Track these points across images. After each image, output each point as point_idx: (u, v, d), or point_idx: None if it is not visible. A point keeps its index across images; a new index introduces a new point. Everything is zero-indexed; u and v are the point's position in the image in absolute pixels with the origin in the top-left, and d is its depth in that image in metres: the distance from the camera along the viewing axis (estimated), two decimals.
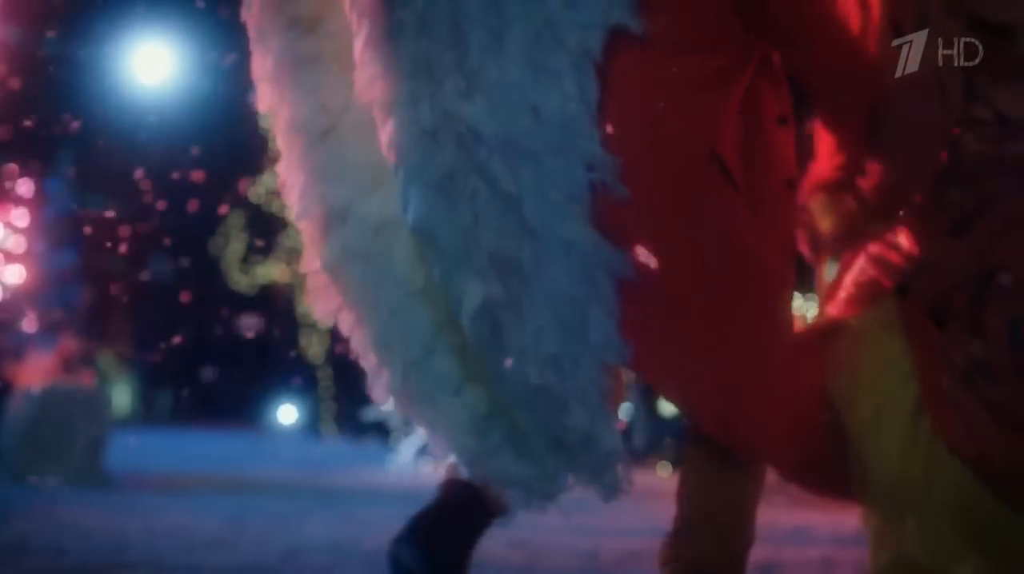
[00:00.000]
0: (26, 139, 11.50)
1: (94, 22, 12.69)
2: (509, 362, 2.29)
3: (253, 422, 19.83)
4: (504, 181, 2.30)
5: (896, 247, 2.57)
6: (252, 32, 2.61)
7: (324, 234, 2.52)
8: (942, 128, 2.51)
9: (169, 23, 12.58)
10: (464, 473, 2.47)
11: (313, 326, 14.30)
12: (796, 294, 2.69)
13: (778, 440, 2.48)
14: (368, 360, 2.53)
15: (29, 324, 11.44)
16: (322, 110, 2.54)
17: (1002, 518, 2.48)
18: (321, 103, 2.54)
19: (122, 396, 20.09)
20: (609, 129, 2.33)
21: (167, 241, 14.08)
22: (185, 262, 15.23)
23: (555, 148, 2.31)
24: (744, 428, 2.45)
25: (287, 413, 20.66)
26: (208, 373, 19.22)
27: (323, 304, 2.57)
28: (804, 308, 6.00)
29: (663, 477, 11.71)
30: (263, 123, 8.59)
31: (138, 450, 11.23)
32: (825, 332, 2.62)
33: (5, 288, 11.88)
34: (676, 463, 11.78)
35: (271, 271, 16.70)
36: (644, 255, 2.35)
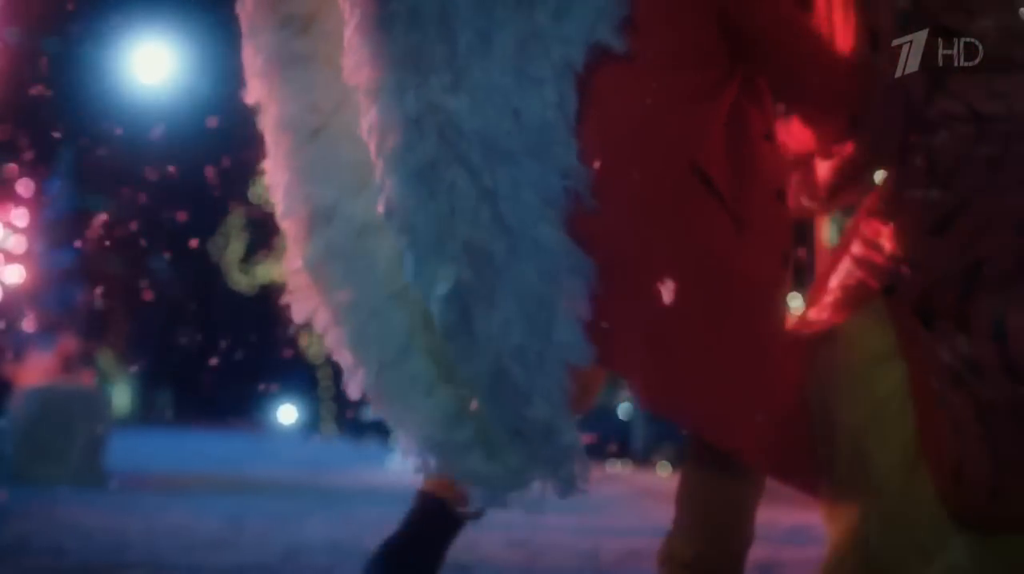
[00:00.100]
0: (26, 139, 11.51)
1: (94, 22, 12.69)
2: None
3: (253, 422, 19.83)
4: (483, 175, 2.34)
5: (880, 248, 2.59)
6: (244, 26, 2.62)
7: (308, 233, 2.54)
8: (903, 116, 2.55)
9: (169, 23, 12.59)
10: (433, 470, 2.50)
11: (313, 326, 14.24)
12: (796, 294, 2.72)
13: (762, 444, 2.49)
14: (343, 358, 2.56)
15: (29, 324, 11.44)
16: (312, 110, 2.55)
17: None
18: (312, 103, 2.55)
19: (122, 396, 20.09)
20: (589, 140, 2.39)
21: (167, 241, 14.10)
22: (185, 262, 15.24)
23: (532, 152, 2.36)
24: (726, 431, 2.46)
25: (287, 413, 20.66)
26: (208, 373, 19.23)
27: (302, 304, 2.59)
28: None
29: (663, 477, 11.72)
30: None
31: (138, 450, 11.24)
32: (814, 337, 2.63)
33: (5, 288, 11.88)
34: (676, 463, 11.79)
35: (271, 271, 16.72)
36: (627, 266, 2.40)
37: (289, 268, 2.61)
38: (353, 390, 2.56)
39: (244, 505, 7.65)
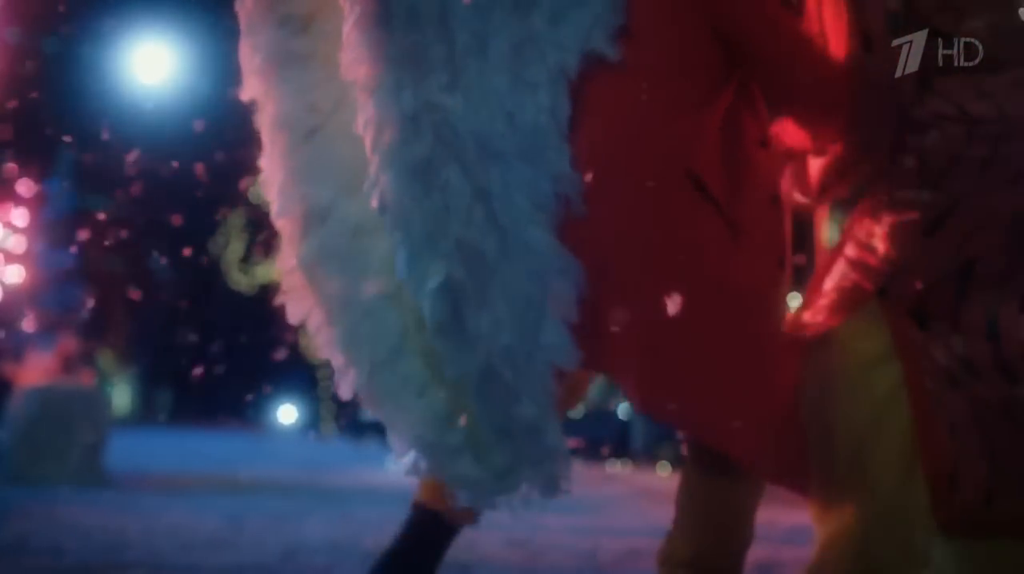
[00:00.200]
0: (26, 139, 11.51)
1: (94, 22, 12.69)
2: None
3: (253, 422, 19.86)
4: (477, 175, 2.36)
5: (874, 250, 2.60)
6: (243, 24, 2.62)
7: (302, 233, 2.55)
8: (893, 112, 2.56)
9: (169, 23, 12.59)
10: (424, 471, 2.52)
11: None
12: (797, 295, 2.73)
13: (758, 446, 2.50)
14: (335, 358, 2.57)
15: (29, 324, 11.44)
16: (310, 109, 2.56)
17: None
18: (309, 103, 2.56)
19: (122, 396, 20.11)
20: (582, 148, 2.41)
21: (167, 241, 14.09)
22: (185, 262, 15.25)
23: (524, 155, 2.38)
24: (722, 434, 2.47)
25: (287, 413, 20.70)
26: (208, 373, 19.25)
27: (296, 305, 2.60)
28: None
29: (663, 477, 11.73)
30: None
31: (138, 450, 11.25)
32: (811, 340, 2.64)
33: (5, 288, 11.88)
34: (676, 463, 11.79)
35: (271, 271, 16.75)
36: (622, 271, 2.41)
37: (283, 267, 2.61)
38: (344, 390, 2.57)
39: (243, 505, 7.66)
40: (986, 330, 2.50)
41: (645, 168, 2.40)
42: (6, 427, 9.19)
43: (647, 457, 13.54)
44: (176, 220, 12.61)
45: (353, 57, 2.41)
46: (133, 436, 12.55)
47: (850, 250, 2.65)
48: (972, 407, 2.50)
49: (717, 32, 2.45)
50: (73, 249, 12.11)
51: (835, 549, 2.58)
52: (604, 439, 14.28)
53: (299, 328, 2.64)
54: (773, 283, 2.53)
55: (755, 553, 2.73)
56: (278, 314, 2.65)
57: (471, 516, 2.65)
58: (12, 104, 10.49)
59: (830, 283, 2.67)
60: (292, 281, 2.61)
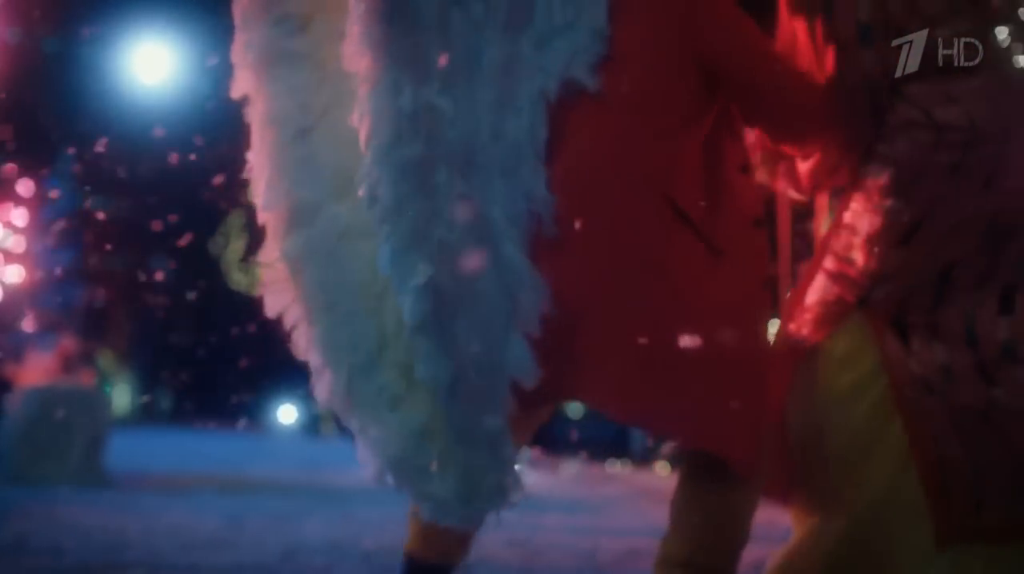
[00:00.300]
0: (26, 139, 11.50)
1: (94, 22, 12.69)
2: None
3: (253, 422, 19.85)
4: (462, 183, 2.40)
5: (852, 261, 2.63)
6: (237, 19, 2.63)
7: (287, 229, 2.57)
8: (868, 120, 2.61)
9: (169, 23, 12.59)
10: (389, 483, 2.54)
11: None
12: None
13: (755, 454, 2.53)
14: (312, 358, 2.58)
15: (29, 324, 11.44)
16: (302, 110, 2.57)
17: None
18: (302, 102, 2.57)
19: (122, 396, 20.10)
20: (559, 172, 2.45)
21: (167, 241, 14.07)
22: (185, 262, 15.24)
23: (503, 171, 2.42)
24: (720, 442, 2.50)
25: (287, 413, 20.70)
26: (208, 373, 19.23)
27: (275, 298, 2.61)
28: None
29: (662, 477, 11.73)
30: None
31: (138, 450, 11.24)
32: (797, 356, 2.67)
33: (5, 288, 11.88)
34: (675, 463, 11.79)
35: None
36: (600, 295, 2.45)
37: (266, 260, 2.63)
38: (320, 392, 2.58)
39: (243, 505, 7.66)
40: (964, 335, 2.52)
41: (621, 193, 2.45)
42: (6, 427, 9.19)
43: (646, 457, 13.53)
44: (176, 220, 12.61)
45: (356, 49, 2.43)
46: (133, 436, 12.55)
47: (829, 262, 2.69)
48: (953, 414, 2.52)
49: (700, 61, 2.50)
50: (73, 249, 12.11)
51: (804, 554, 2.61)
52: (604, 439, 14.28)
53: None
54: (756, 302, 2.57)
55: (754, 553, 2.74)
56: (278, 314, 2.65)
57: (460, 556, 2.67)
58: (12, 104, 10.49)
59: (812, 297, 2.69)
60: (273, 274, 2.62)
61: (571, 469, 11.89)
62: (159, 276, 15.91)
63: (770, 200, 2.86)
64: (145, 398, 21.93)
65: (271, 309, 2.62)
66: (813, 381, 2.64)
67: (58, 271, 12.29)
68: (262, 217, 2.62)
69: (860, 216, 2.62)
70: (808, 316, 2.69)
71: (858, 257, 2.62)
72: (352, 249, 2.52)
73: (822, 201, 2.84)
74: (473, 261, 2.40)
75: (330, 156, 2.54)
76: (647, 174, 2.46)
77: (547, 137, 2.44)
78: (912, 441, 2.54)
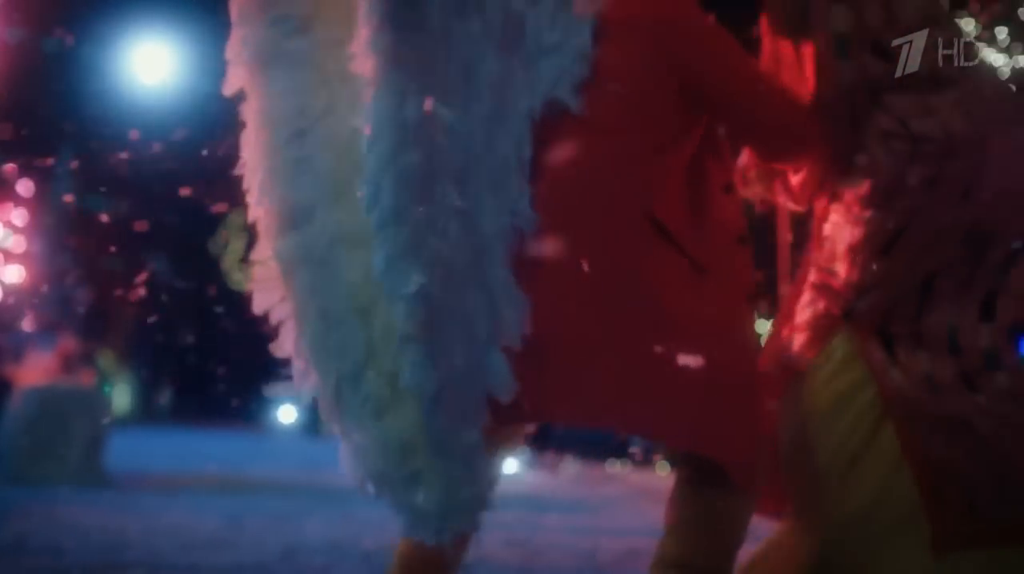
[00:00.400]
0: (26, 139, 11.50)
1: (94, 22, 12.69)
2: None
3: (253, 422, 19.84)
4: (457, 194, 2.42)
5: (835, 274, 2.65)
6: (234, 14, 2.62)
7: (280, 230, 2.57)
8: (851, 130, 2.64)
9: (169, 23, 12.59)
10: (370, 491, 2.54)
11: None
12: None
13: (751, 461, 2.56)
14: (298, 360, 2.57)
15: (29, 324, 11.44)
16: (299, 112, 2.57)
17: None
18: (299, 105, 2.57)
19: (122, 396, 20.10)
20: (542, 190, 2.49)
21: (167, 241, 14.08)
22: (185, 262, 15.24)
23: (490, 186, 2.46)
24: (716, 448, 2.53)
25: (287, 413, 20.67)
26: (208, 373, 19.23)
27: (265, 295, 2.61)
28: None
29: (662, 477, 11.73)
30: None
31: (137, 450, 11.24)
32: (789, 374, 2.69)
33: (5, 288, 11.88)
34: (675, 463, 11.78)
35: None
36: (583, 305, 2.48)
37: (258, 257, 2.63)
38: (304, 390, 2.59)
39: (243, 505, 7.67)
40: (948, 343, 2.55)
41: (602, 211, 2.50)
42: (6, 427, 9.19)
43: (646, 457, 13.53)
44: (176, 220, 12.61)
45: (364, 52, 2.42)
46: (133, 436, 12.54)
47: (813, 276, 2.71)
48: (939, 421, 2.54)
49: (683, 83, 2.53)
50: (73, 249, 12.12)
51: (779, 559, 2.64)
52: (603, 439, 14.29)
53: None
54: (742, 315, 2.61)
55: (750, 552, 2.74)
56: None
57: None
58: (12, 104, 10.49)
59: (801, 315, 2.72)
60: (265, 272, 2.62)
61: (571, 469, 11.88)
62: (159, 276, 15.91)
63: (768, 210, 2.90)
64: (146, 399, 21.93)
65: (259, 306, 2.62)
66: (803, 397, 2.66)
67: (58, 271, 12.29)
68: (254, 213, 2.62)
69: (840, 228, 2.66)
70: (798, 335, 2.72)
71: (840, 269, 2.65)
72: (344, 256, 2.52)
73: (783, 214, 2.88)
74: (463, 273, 2.42)
75: (326, 160, 2.54)
76: (628, 193, 2.51)
77: (532, 155, 2.49)
78: (904, 446, 2.55)
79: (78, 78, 12.88)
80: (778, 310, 2.84)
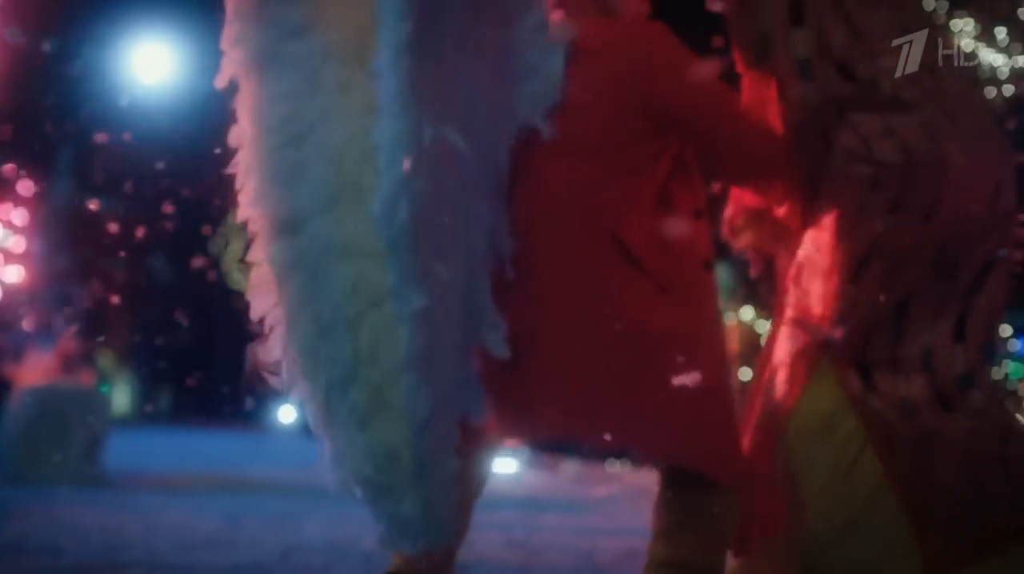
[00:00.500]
0: (26, 139, 11.51)
1: (94, 22, 12.70)
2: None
3: (254, 422, 19.85)
4: (461, 222, 2.48)
5: (809, 306, 2.66)
6: (229, 9, 2.59)
7: (274, 235, 2.57)
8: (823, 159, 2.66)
9: (169, 23, 12.59)
10: (357, 497, 2.56)
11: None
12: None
13: (732, 464, 2.63)
14: (289, 365, 2.58)
15: (29, 324, 11.45)
16: (293, 119, 2.55)
17: None
18: (294, 111, 2.55)
19: (122, 396, 20.10)
20: (517, 212, 2.55)
21: (166, 241, 14.07)
22: (185, 262, 15.25)
23: (479, 210, 2.52)
24: (694, 455, 2.59)
25: (287, 413, 20.67)
26: (207, 373, 19.24)
27: (262, 299, 2.61)
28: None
29: None
30: None
31: (137, 450, 11.24)
32: (778, 412, 2.70)
33: (5, 288, 11.88)
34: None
35: None
36: (558, 332, 2.56)
37: (253, 260, 2.63)
38: (291, 391, 2.59)
39: (242, 505, 7.67)
40: (923, 366, 2.57)
41: (569, 233, 2.56)
42: (5, 427, 9.19)
43: None
44: (175, 220, 12.61)
45: (381, 74, 2.41)
46: (132, 436, 12.54)
47: (790, 310, 2.72)
48: (918, 444, 2.56)
49: (656, 110, 2.58)
50: (73, 249, 12.12)
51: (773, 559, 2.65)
52: None
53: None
54: (709, 333, 2.65)
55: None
56: None
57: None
58: (12, 104, 10.49)
59: (781, 351, 2.73)
60: (260, 275, 2.62)
61: (571, 469, 11.89)
62: (159, 276, 15.92)
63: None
64: (145, 399, 21.94)
65: (256, 311, 2.62)
66: (788, 430, 2.68)
67: (58, 271, 12.29)
68: (245, 213, 2.61)
69: (812, 258, 2.67)
70: (780, 370, 2.73)
71: (813, 301, 2.66)
72: (332, 265, 2.52)
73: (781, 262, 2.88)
74: (457, 298, 2.47)
75: (319, 168, 2.53)
76: (593, 214, 2.56)
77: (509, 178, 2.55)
78: (886, 471, 2.58)
79: (78, 78, 12.88)
80: (759, 359, 2.87)
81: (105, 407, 9.92)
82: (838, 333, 2.63)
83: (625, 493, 9.87)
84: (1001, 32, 9.86)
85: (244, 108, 2.60)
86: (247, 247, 2.67)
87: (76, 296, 12.78)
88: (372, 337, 2.46)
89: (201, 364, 19.28)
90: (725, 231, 2.85)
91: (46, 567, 4.87)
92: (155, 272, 17.33)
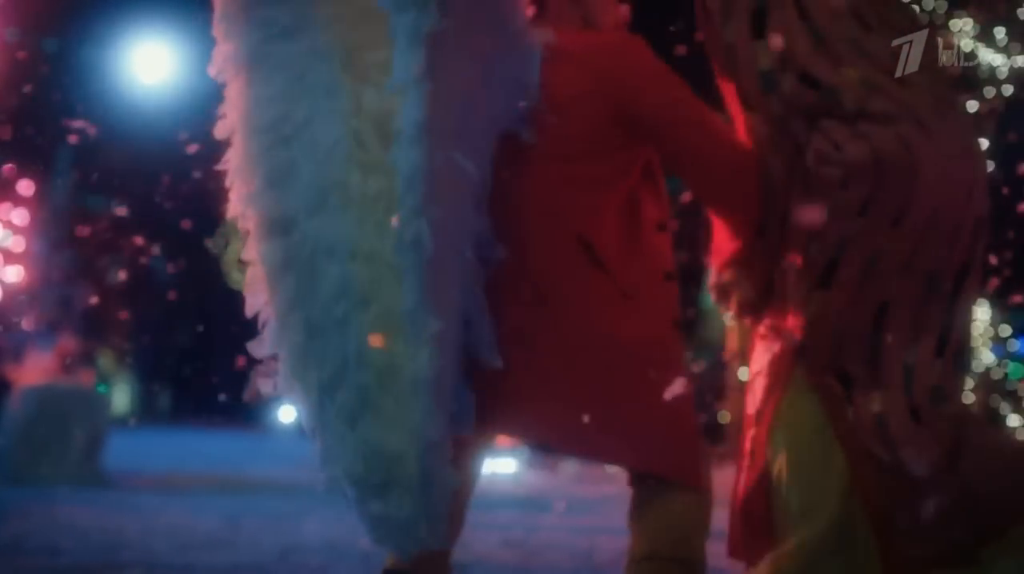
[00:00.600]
0: (26, 139, 11.52)
1: (94, 22, 12.70)
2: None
3: (253, 422, 19.86)
4: (469, 247, 2.52)
5: (784, 314, 2.66)
6: (217, 6, 2.59)
7: (264, 235, 2.58)
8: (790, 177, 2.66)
9: (169, 23, 12.60)
10: (346, 499, 2.57)
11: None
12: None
13: (696, 465, 2.65)
14: (284, 366, 2.58)
15: (29, 324, 11.45)
16: (282, 120, 2.55)
17: None
18: (282, 112, 2.55)
19: (122, 396, 20.12)
20: (496, 217, 2.56)
21: (166, 240, 14.07)
22: (185, 262, 15.26)
23: (472, 220, 2.53)
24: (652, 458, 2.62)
25: (287, 413, 20.68)
26: (207, 372, 19.25)
27: (258, 297, 2.62)
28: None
29: None
30: None
31: (136, 449, 11.26)
32: (764, 425, 2.71)
33: (5, 288, 11.89)
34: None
35: None
36: (528, 335, 2.57)
37: (247, 258, 2.63)
38: (283, 390, 2.60)
39: (241, 505, 7.67)
40: (903, 382, 2.58)
41: (538, 236, 2.59)
42: (5, 427, 9.20)
43: None
44: (176, 220, 12.62)
45: (401, 97, 2.41)
46: (132, 436, 12.56)
47: (767, 319, 2.72)
48: (889, 463, 2.56)
49: (628, 119, 2.60)
50: (73, 249, 12.12)
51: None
52: None
53: None
54: (670, 337, 2.68)
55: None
56: None
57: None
58: (12, 104, 10.50)
59: (760, 361, 2.74)
60: (254, 273, 2.63)
61: (570, 469, 11.89)
62: (159, 276, 15.93)
63: None
64: (145, 399, 21.95)
65: (250, 309, 2.63)
66: (769, 437, 2.69)
67: (58, 271, 12.29)
68: (235, 210, 2.63)
69: (786, 266, 2.66)
70: (758, 380, 2.73)
71: (786, 306, 2.66)
72: (322, 267, 2.53)
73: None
74: (462, 315, 2.50)
75: (308, 170, 2.54)
76: (562, 214, 2.59)
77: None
78: (857, 485, 2.58)
79: (78, 78, 12.88)
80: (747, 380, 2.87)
81: (104, 407, 9.93)
82: (811, 339, 2.62)
83: (624, 493, 9.87)
84: (1000, 32, 9.86)
85: (233, 107, 2.61)
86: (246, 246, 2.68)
87: (76, 296, 12.79)
88: (361, 337, 2.47)
89: (201, 363, 19.28)
90: (714, 298, 2.84)
91: (45, 567, 4.88)
92: (155, 272, 17.32)
